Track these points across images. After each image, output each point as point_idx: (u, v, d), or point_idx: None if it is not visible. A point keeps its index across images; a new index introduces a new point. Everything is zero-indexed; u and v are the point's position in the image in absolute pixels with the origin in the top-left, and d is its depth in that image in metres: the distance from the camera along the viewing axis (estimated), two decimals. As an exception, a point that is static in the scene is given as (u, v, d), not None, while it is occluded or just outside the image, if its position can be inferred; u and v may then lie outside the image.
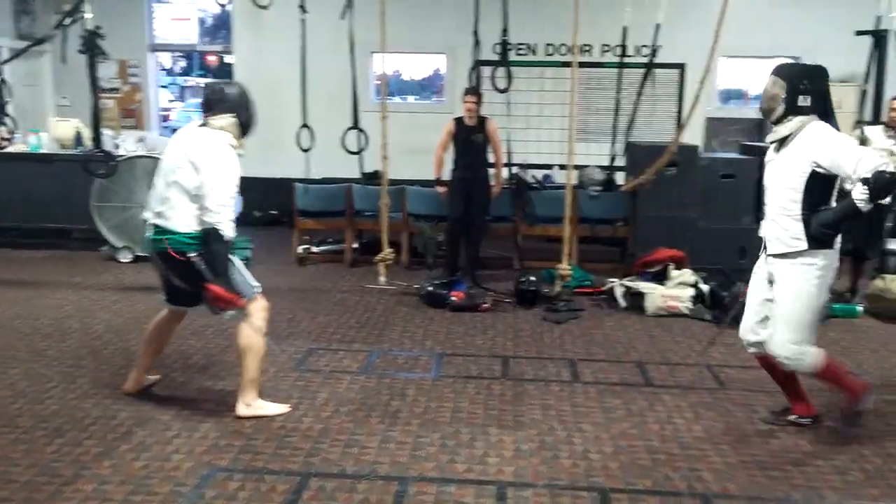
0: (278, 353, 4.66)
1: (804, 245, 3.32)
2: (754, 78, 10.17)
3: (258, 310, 3.72)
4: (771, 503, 3.03)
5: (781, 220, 3.38)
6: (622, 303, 5.87)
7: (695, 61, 7.39)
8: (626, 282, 6.00)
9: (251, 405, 3.69)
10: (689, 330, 5.37)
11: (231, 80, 3.75)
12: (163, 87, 16.87)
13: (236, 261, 3.74)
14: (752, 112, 9.72)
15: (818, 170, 3.27)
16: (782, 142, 3.39)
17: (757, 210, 3.91)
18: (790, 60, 9.44)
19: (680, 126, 7.26)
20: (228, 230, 3.58)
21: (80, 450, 3.32)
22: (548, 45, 9.31)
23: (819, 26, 9.03)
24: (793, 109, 3.33)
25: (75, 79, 9.43)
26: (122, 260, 7.12)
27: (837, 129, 3.36)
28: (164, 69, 14.24)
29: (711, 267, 6.29)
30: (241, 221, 9.89)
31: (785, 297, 3.41)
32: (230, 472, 3.15)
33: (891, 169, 3.11)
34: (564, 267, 6.08)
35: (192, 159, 3.56)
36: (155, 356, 4.05)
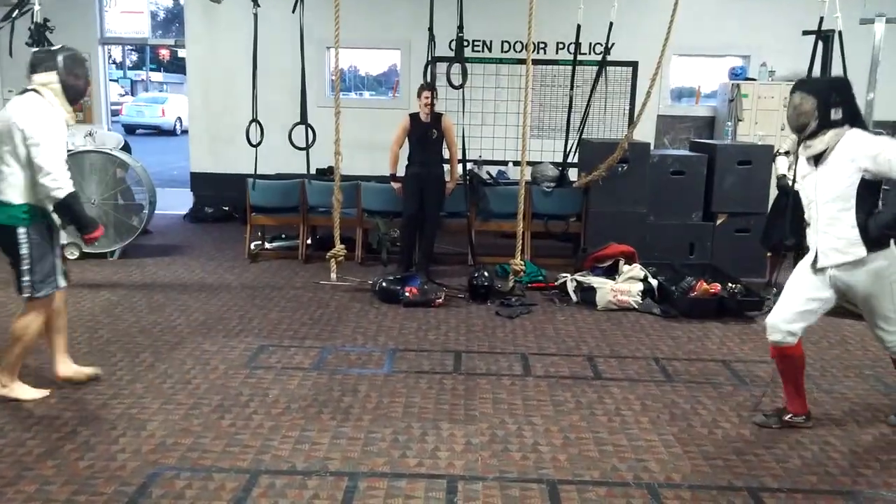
0: (228, 351, 4.62)
1: (863, 251, 3.36)
2: (704, 76, 10.39)
3: (47, 305, 3.76)
4: (714, 491, 3.11)
5: (835, 231, 3.40)
6: (574, 297, 5.95)
7: (647, 59, 7.54)
8: (578, 277, 6.09)
9: (7, 386, 3.75)
10: (637, 324, 5.47)
11: (64, 46, 3.71)
12: (113, 80, 16.52)
13: (57, 250, 3.77)
14: (702, 110, 9.95)
15: (866, 175, 3.30)
16: (819, 156, 3.42)
17: (794, 224, 4.19)
18: (735, 66, 9.70)
19: (632, 123, 7.38)
20: (68, 187, 3.58)
21: (23, 450, 3.26)
22: (503, 41, 9.37)
23: (768, 26, 9.25)
24: (827, 123, 3.37)
25: (21, 72, 9.22)
26: (68, 256, 6.94)
27: (867, 129, 3.45)
28: (114, 63, 13.98)
29: (661, 262, 6.43)
30: (193, 217, 9.81)
31: (881, 303, 3.46)
32: (177, 471, 3.12)
33: None
34: (517, 262, 6.14)
35: (15, 121, 3.53)
36: (58, 337, 4.03)
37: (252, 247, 7.43)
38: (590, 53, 8.70)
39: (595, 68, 7.72)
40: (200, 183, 9.94)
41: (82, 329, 4.97)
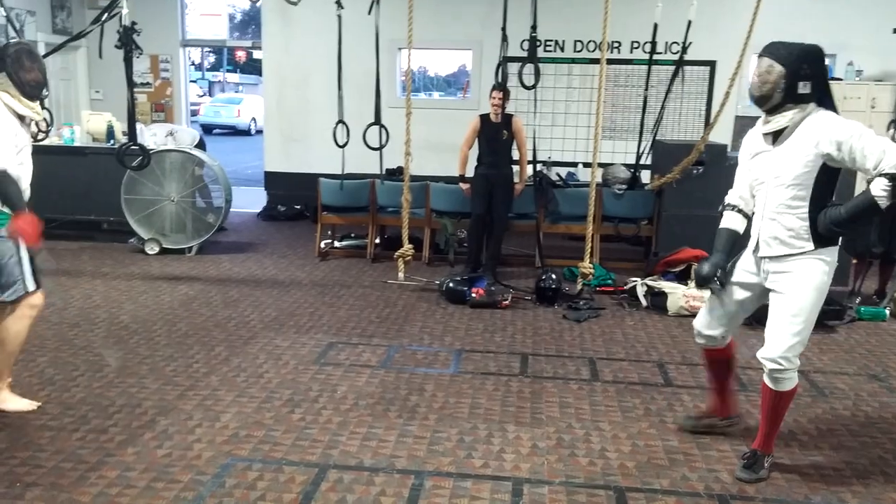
0: (299, 346, 4.72)
1: (810, 245, 3.03)
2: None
3: (28, 307, 3.58)
4: (789, 506, 3.01)
5: (783, 219, 3.06)
6: (644, 302, 5.83)
7: (725, 59, 7.33)
8: (649, 281, 5.97)
9: None
10: (711, 330, 5.32)
11: (10, 43, 3.61)
12: (192, 81, 17.09)
13: (23, 254, 3.54)
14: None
15: (829, 163, 2.95)
16: (778, 133, 3.07)
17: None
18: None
19: (708, 124, 7.19)
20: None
21: (105, 437, 3.40)
22: (576, 41, 9.28)
23: (854, 24, 8.88)
24: (792, 97, 2.97)
25: (108, 73, 9.66)
26: (149, 252, 7.24)
27: (837, 112, 3.05)
28: (193, 64, 14.45)
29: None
30: (266, 215, 10.08)
31: (794, 290, 3.05)
32: (249, 462, 3.20)
33: None
34: (586, 265, 6.07)
35: None
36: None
37: (322, 245, 7.57)
38: (665, 53, 8.53)
39: (670, 68, 7.55)
40: (274, 182, 10.18)
41: (161, 322, 5.15)
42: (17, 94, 3.49)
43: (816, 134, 2.96)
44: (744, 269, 3.30)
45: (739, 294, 3.31)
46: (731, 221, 3.33)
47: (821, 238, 3.02)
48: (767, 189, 3.12)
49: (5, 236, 3.48)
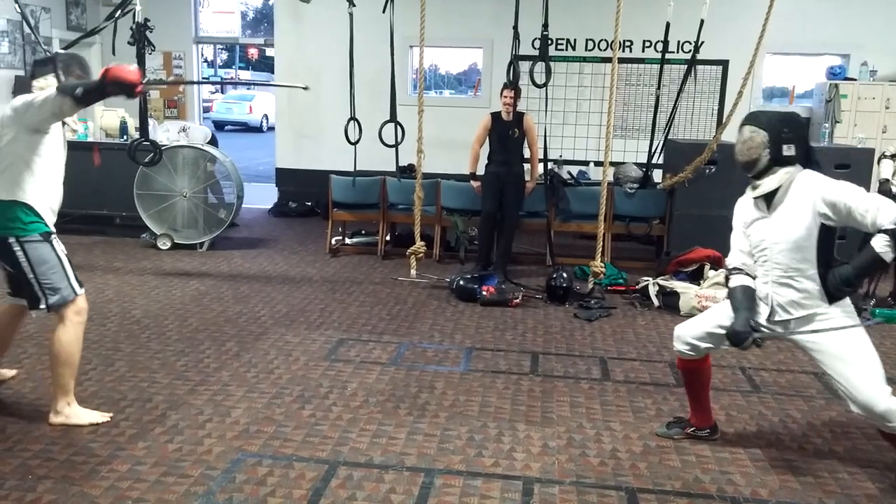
0: (310, 343, 4.72)
1: (825, 304, 3.05)
2: (799, 75, 9.97)
3: (74, 314, 3.42)
4: (802, 509, 2.98)
5: (795, 283, 3.08)
6: (655, 302, 5.80)
7: (738, 58, 7.29)
8: (660, 281, 5.94)
9: (61, 412, 3.44)
10: (723, 331, 5.29)
11: (60, 52, 3.57)
12: (205, 78, 17.09)
13: (62, 255, 3.44)
14: (797, 110, 9.55)
15: (826, 222, 2.97)
16: (770, 198, 3.11)
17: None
18: (833, 65, 9.26)
19: (721, 124, 7.14)
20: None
21: (116, 431, 3.40)
22: (588, 40, 9.24)
23: (868, 24, 8.81)
24: (778, 160, 3.06)
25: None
26: (161, 247, 7.27)
27: (822, 171, 3.10)
28: (206, 61, 14.49)
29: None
30: (277, 212, 10.10)
31: (841, 343, 3.03)
32: (260, 458, 3.20)
33: None
34: (597, 264, 6.04)
35: (4, 111, 3.37)
36: (2, 349, 3.75)
37: (333, 242, 7.58)
38: (678, 52, 8.48)
39: (683, 67, 7.51)
40: (285, 178, 10.20)
41: (173, 317, 5.17)
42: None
43: (810, 195, 3.00)
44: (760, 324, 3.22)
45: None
46: (742, 280, 3.27)
47: (832, 297, 3.05)
48: (770, 255, 3.13)
49: (43, 240, 3.38)
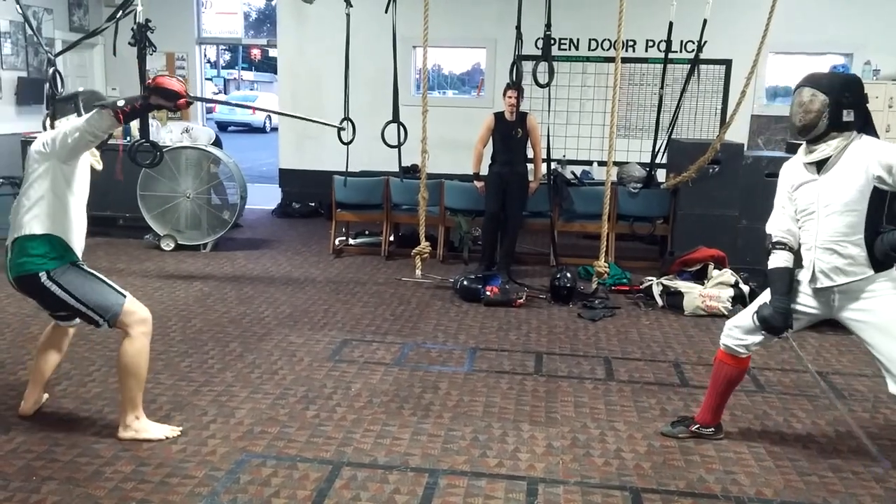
0: (314, 343, 4.72)
1: (869, 271, 2.98)
2: (802, 74, 9.94)
3: (136, 323, 3.38)
4: (807, 509, 2.97)
5: (840, 248, 3.00)
6: (659, 302, 5.80)
7: (741, 57, 7.28)
8: (664, 280, 5.93)
9: (130, 426, 3.37)
10: (728, 331, 5.28)
11: (80, 91, 3.52)
12: (208, 79, 17.15)
13: (93, 272, 3.41)
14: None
15: (880, 186, 2.91)
16: (822, 162, 3.04)
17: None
18: (836, 64, 9.24)
19: (724, 123, 7.13)
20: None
21: (120, 432, 3.41)
22: (591, 39, 9.23)
23: (872, 22, 8.79)
24: (837, 125, 2.97)
25: (124, 70, 9.70)
26: (164, 248, 7.28)
27: (879, 139, 3.05)
28: (208, 62, 14.52)
29: (752, 267, 6.18)
30: (281, 212, 10.10)
31: (887, 319, 2.97)
32: (264, 459, 3.20)
33: None
34: (601, 264, 6.04)
35: (33, 148, 3.34)
36: (49, 370, 3.68)
37: (336, 242, 7.58)
38: (681, 51, 8.47)
39: (686, 67, 7.50)
40: (288, 179, 10.21)
41: (176, 318, 5.17)
42: None
43: (865, 158, 2.94)
44: (801, 292, 3.19)
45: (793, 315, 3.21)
46: (782, 260, 3.21)
47: (879, 263, 2.99)
48: (818, 219, 3.06)
49: (72, 267, 3.33)
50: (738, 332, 3.34)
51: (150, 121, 6.94)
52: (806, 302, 3.19)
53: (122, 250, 7.27)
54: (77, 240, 3.38)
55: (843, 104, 2.97)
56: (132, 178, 7.22)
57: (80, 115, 3.35)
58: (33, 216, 3.26)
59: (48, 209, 3.26)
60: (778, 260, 3.21)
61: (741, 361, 3.39)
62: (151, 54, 6.28)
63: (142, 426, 3.40)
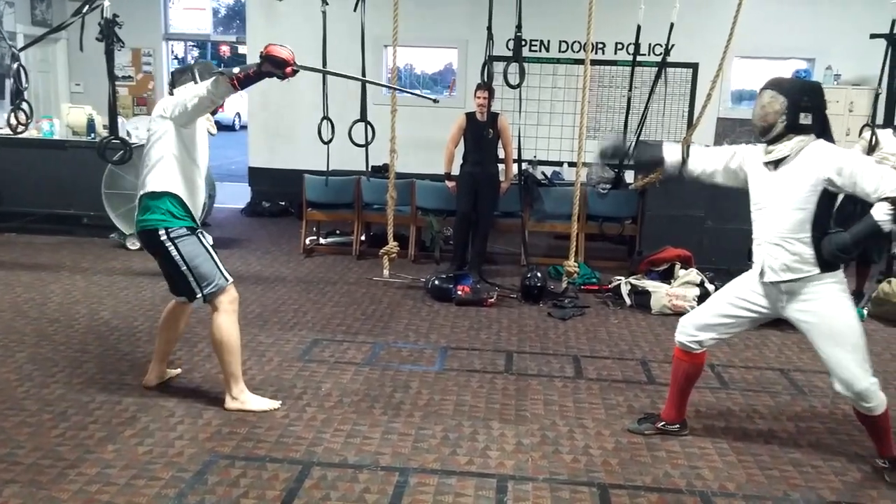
0: (283, 343, 4.70)
1: (815, 269, 3.09)
2: (767, 79, 10.11)
3: (226, 302, 3.63)
4: (769, 502, 3.03)
5: (788, 244, 3.12)
6: (628, 301, 5.87)
7: (708, 61, 7.39)
8: (633, 280, 6.00)
9: (237, 398, 3.65)
10: (694, 329, 5.36)
11: (198, 60, 3.84)
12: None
13: (210, 247, 3.66)
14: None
15: (830, 188, 3.03)
16: (778, 161, 3.16)
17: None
18: (798, 69, 9.44)
19: (691, 126, 7.23)
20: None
21: (85, 434, 3.36)
22: (561, 41, 9.29)
23: (833, 28, 8.97)
24: (794, 127, 3.09)
25: (89, 66, 9.54)
26: (130, 247, 7.17)
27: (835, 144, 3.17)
28: (176, 58, 14.35)
29: (718, 267, 6.29)
30: (250, 211, 9.99)
31: (831, 322, 3.11)
32: (232, 460, 3.18)
33: None
34: (571, 264, 6.09)
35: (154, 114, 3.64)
36: (169, 347, 4.01)
37: (307, 242, 7.54)
38: (649, 54, 8.57)
39: (654, 69, 7.59)
40: (258, 178, 10.12)
41: (143, 318, 5.11)
42: None
43: (818, 160, 3.06)
44: (751, 289, 3.32)
45: (743, 312, 3.35)
46: (672, 147, 3.60)
47: (825, 263, 3.09)
48: (768, 214, 3.19)
49: (190, 234, 3.58)
50: (691, 328, 3.44)
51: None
52: (756, 299, 3.31)
53: (87, 249, 7.15)
54: (195, 203, 3.63)
55: (801, 107, 3.09)
56: (96, 176, 7.10)
57: (196, 83, 3.56)
58: (155, 175, 3.51)
59: (167, 169, 3.50)
60: (670, 147, 3.60)
61: (696, 357, 3.48)
62: (119, 50, 6.20)
63: (247, 398, 3.65)
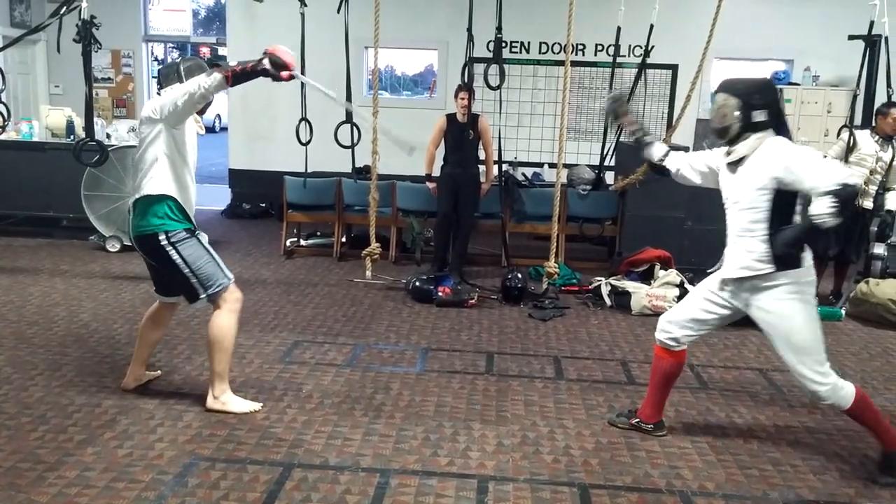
0: (264, 345, 4.68)
1: (770, 267, 3.12)
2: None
3: (230, 301, 3.62)
4: (748, 501, 3.07)
5: (744, 243, 3.19)
6: (608, 301, 5.91)
7: (687, 62, 7.45)
8: (613, 281, 6.04)
9: (218, 398, 3.64)
10: (673, 329, 5.41)
11: (185, 57, 3.75)
12: (155, 77, 16.73)
13: (209, 247, 3.64)
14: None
15: (780, 186, 3.06)
16: (738, 161, 3.21)
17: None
18: (777, 70, 9.55)
19: (670, 127, 7.30)
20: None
21: (64, 437, 3.33)
22: (541, 43, 9.34)
23: (811, 30, 9.09)
24: (749, 126, 3.15)
25: (68, 68, 9.46)
26: (109, 249, 7.11)
27: (791, 140, 3.20)
28: (156, 60, 14.26)
29: (698, 268, 6.33)
30: (231, 213, 9.94)
31: (781, 325, 3.18)
32: (212, 462, 3.17)
33: (854, 181, 2.93)
34: (551, 265, 6.11)
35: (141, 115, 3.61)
36: (150, 350, 3.99)
37: (288, 243, 7.52)
38: (629, 56, 8.64)
39: (634, 71, 7.65)
40: (238, 179, 10.07)
41: (122, 320, 5.07)
42: None
43: (768, 159, 3.11)
44: (716, 286, 3.39)
45: (715, 308, 3.40)
46: (658, 145, 3.69)
47: (780, 260, 3.11)
48: (730, 213, 3.28)
49: (190, 236, 3.55)
50: (667, 325, 3.49)
51: (95, 119, 6.78)
52: (725, 296, 3.36)
53: (66, 252, 7.09)
54: (190, 204, 3.60)
55: (753, 105, 3.14)
56: (76, 178, 7.04)
57: (182, 82, 3.48)
58: (149, 178, 3.47)
59: (162, 172, 3.46)
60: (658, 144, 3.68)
61: (676, 355, 3.52)
62: (97, 51, 6.15)
63: (229, 399, 3.64)
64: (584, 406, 3.95)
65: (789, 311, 3.17)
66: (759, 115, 3.15)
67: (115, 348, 4.51)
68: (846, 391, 3.22)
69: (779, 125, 3.20)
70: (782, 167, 3.04)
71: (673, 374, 3.58)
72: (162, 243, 3.48)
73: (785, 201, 3.12)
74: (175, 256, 3.49)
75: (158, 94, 3.62)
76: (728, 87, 3.23)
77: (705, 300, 3.42)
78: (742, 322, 3.59)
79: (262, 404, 3.73)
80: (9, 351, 4.38)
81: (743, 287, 3.26)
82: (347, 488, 3.01)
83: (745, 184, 3.18)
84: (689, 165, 3.56)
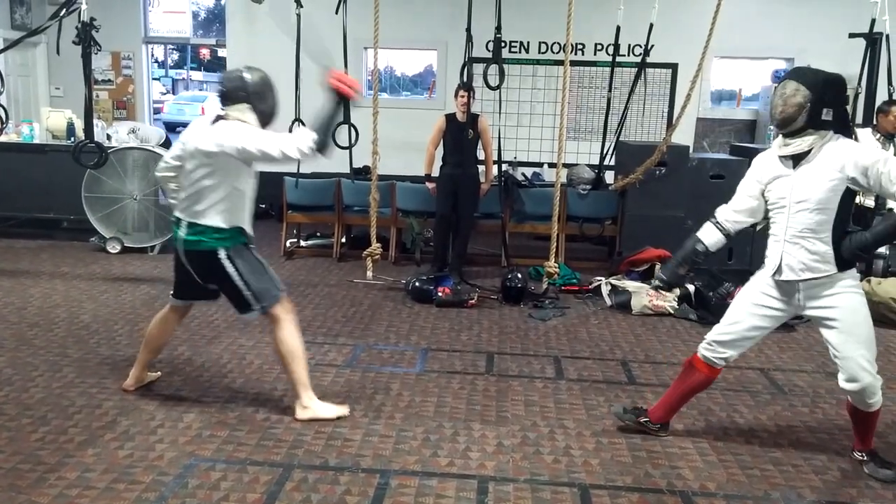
0: (264, 346, 4.68)
1: (833, 269, 3.06)
2: (746, 78, 10.22)
3: (285, 311, 3.62)
4: (749, 501, 3.06)
5: (808, 243, 3.07)
6: (608, 301, 5.90)
7: (687, 61, 7.45)
8: (613, 280, 6.04)
9: (308, 407, 3.62)
10: (673, 329, 5.41)
11: (250, 66, 3.65)
12: (155, 79, 16.81)
13: (263, 261, 3.64)
14: (743, 113, 9.80)
15: (852, 186, 2.98)
16: (798, 157, 3.07)
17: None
18: (777, 69, 9.54)
19: (670, 126, 7.29)
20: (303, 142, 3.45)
21: (65, 438, 3.33)
22: (541, 42, 9.34)
23: (812, 28, 9.09)
24: (815, 123, 2.98)
25: (68, 70, 9.46)
26: (110, 250, 7.12)
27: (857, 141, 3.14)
28: (156, 61, 14.26)
29: (698, 267, 6.33)
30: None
31: (851, 323, 3.11)
32: (213, 463, 3.17)
33: None
34: (551, 264, 6.11)
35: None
36: (156, 353, 3.99)
37: (287, 244, 7.52)
38: (628, 55, 8.63)
39: (633, 70, 7.65)
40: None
41: (123, 322, 5.07)
42: (256, 123, 3.52)
43: (841, 159, 3.00)
44: (765, 293, 3.29)
45: (765, 321, 3.31)
46: (705, 232, 3.45)
47: (843, 262, 3.08)
48: (788, 213, 3.12)
49: (246, 249, 3.57)
50: (722, 348, 3.38)
51: (95, 120, 6.79)
52: (772, 303, 3.28)
53: (67, 253, 7.09)
54: (250, 221, 3.60)
55: (824, 102, 2.98)
56: (76, 180, 7.04)
57: (249, 103, 3.49)
58: (217, 211, 3.45)
59: (231, 204, 3.47)
60: (703, 230, 3.47)
61: (715, 371, 3.46)
62: (96, 53, 6.15)
63: (317, 406, 3.63)
64: (584, 406, 3.95)
65: (855, 306, 3.12)
66: (827, 114, 2.99)
67: (115, 349, 4.51)
68: (880, 394, 3.22)
69: (842, 128, 3.08)
70: (860, 168, 2.95)
71: (703, 388, 3.56)
72: (221, 258, 3.48)
73: (847, 203, 3.06)
74: (231, 270, 3.49)
75: (222, 110, 3.53)
76: (801, 75, 3.06)
77: (759, 308, 3.29)
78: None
79: (348, 408, 3.70)
80: (9, 352, 4.38)
81: (798, 288, 3.18)
82: (347, 489, 3.00)
83: (814, 183, 3.03)
84: (740, 217, 3.39)
